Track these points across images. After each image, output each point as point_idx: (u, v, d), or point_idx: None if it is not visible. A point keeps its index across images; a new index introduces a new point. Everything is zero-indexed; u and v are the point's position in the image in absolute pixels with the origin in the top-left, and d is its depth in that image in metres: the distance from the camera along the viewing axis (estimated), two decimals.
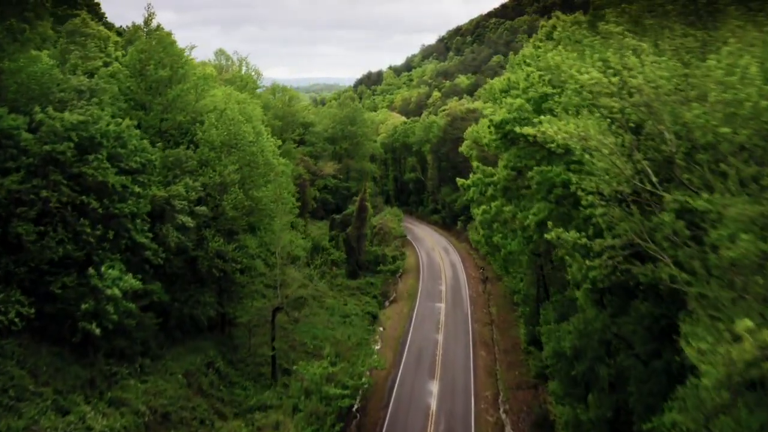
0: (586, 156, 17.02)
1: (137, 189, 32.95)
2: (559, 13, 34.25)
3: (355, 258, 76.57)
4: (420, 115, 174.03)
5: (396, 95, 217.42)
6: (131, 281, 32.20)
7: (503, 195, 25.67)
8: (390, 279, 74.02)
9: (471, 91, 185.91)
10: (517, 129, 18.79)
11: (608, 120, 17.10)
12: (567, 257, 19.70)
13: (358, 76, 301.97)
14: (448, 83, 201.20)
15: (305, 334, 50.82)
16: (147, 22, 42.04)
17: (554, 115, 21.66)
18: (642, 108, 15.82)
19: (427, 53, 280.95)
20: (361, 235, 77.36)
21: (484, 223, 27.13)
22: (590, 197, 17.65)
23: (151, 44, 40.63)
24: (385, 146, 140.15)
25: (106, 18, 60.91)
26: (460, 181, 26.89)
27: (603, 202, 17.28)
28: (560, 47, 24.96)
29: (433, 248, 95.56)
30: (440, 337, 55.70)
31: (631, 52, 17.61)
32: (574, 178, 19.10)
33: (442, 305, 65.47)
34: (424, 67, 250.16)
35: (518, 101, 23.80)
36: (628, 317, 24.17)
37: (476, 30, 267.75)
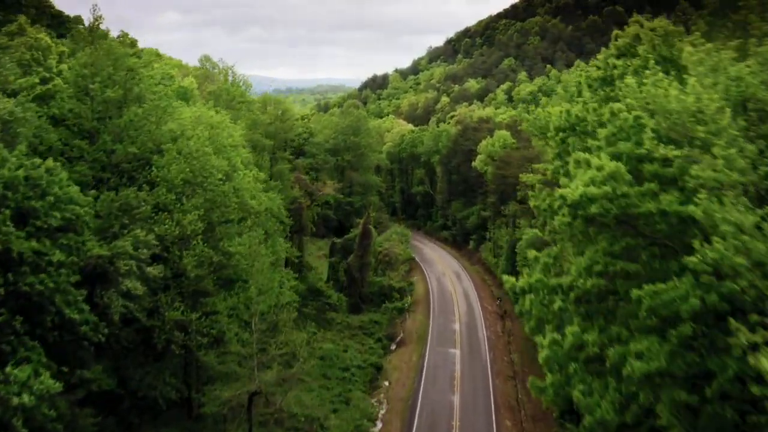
0: None
1: (58, 256, 24.59)
2: (639, 17, 25.43)
3: (357, 290, 68.15)
4: (428, 121, 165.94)
5: (402, 100, 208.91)
6: (48, 382, 23.87)
7: (579, 309, 16.80)
8: (397, 317, 65.43)
9: (481, 96, 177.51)
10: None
11: None
12: None
13: (364, 77, 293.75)
14: (457, 87, 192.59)
15: (295, 401, 42.36)
16: (93, 27, 33.70)
17: (670, 190, 13.13)
18: None
19: (434, 56, 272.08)
20: (364, 265, 68.93)
21: (552, 361, 17.33)
22: None
23: (97, 56, 32.28)
24: (391, 156, 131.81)
25: (68, 23, 52.60)
26: (508, 280, 17.31)
27: None
28: (690, 77, 16.35)
29: (443, 273, 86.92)
30: (456, 399, 47.08)
31: None
32: (724, 310, 10.83)
33: (457, 351, 56.83)
34: (432, 71, 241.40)
35: (609, 164, 15.02)
36: None
37: (485, 31, 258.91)
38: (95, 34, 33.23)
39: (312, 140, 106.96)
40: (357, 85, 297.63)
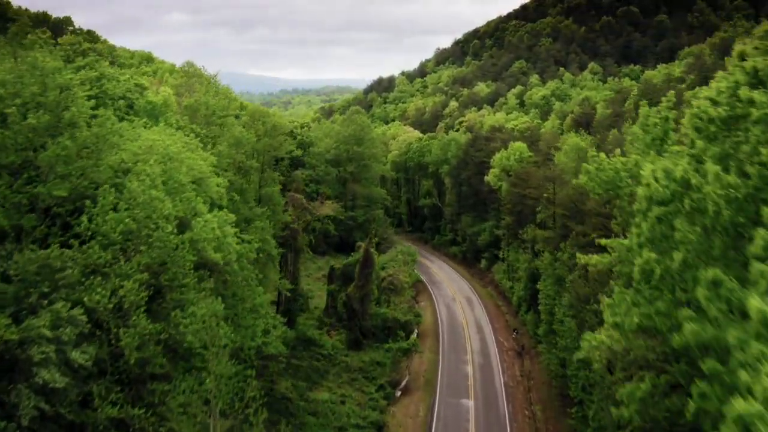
0: None
1: None
2: None
3: (357, 323, 60.96)
4: (435, 126, 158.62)
5: (409, 104, 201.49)
6: None
7: None
8: (401, 358, 58.16)
9: (491, 100, 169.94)
10: None
11: None
12: None
13: (370, 77, 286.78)
14: (466, 91, 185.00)
15: None
16: (16, 35, 26.71)
17: None
18: None
19: (442, 58, 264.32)
20: (365, 295, 61.70)
21: None
22: None
23: (19, 72, 25.30)
24: (397, 165, 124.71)
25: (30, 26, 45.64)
26: None
27: None
28: None
29: (453, 298, 79.68)
30: None
31: None
32: None
33: (470, 403, 49.52)
34: (440, 73, 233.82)
35: None
36: None
37: (495, 33, 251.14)
38: (16, 43, 26.26)
39: (312, 150, 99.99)
40: (363, 86, 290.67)
